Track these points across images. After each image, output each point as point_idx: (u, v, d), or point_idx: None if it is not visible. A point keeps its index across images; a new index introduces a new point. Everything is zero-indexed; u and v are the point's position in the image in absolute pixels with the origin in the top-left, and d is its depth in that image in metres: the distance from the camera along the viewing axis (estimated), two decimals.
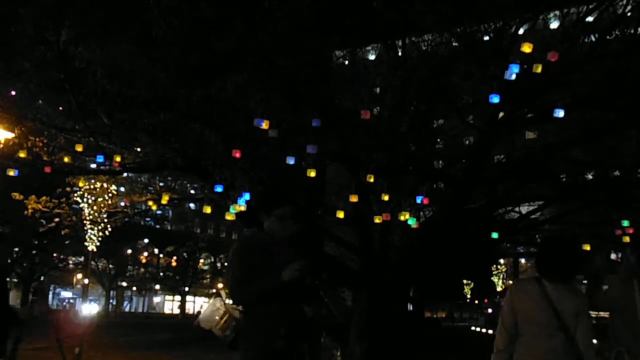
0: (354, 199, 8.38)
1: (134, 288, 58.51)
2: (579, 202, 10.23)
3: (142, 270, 53.77)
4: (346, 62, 10.50)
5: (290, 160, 7.59)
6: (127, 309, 60.30)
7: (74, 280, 51.11)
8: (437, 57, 9.26)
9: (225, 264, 51.86)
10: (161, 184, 12.20)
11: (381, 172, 8.32)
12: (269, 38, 7.26)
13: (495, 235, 9.59)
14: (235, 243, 3.75)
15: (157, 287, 58.86)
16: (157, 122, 8.07)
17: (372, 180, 7.96)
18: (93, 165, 9.79)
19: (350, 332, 8.94)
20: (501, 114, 8.34)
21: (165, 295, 64.70)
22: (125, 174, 11.03)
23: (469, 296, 63.90)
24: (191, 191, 12.69)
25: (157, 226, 45.16)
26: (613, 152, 9.98)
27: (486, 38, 8.31)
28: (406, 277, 9.49)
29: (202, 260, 57.47)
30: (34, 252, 35.23)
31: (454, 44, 8.94)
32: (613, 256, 19.02)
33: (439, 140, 12.20)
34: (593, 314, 3.38)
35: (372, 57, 12.26)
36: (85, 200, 13.14)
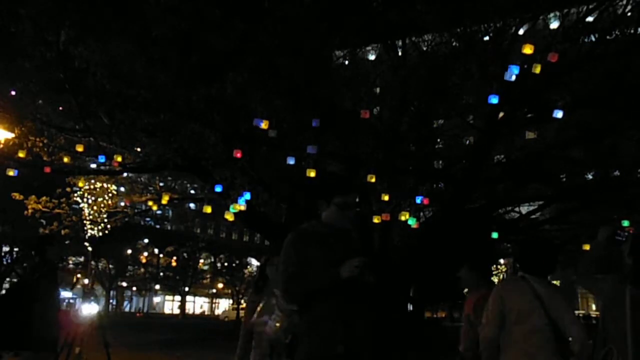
0: None
1: (134, 288, 58.52)
2: (578, 202, 10.23)
3: (142, 270, 53.77)
4: (346, 62, 10.51)
5: (290, 161, 7.59)
6: (127, 309, 60.35)
7: (74, 280, 51.08)
8: (437, 57, 9.27)
9: (226, 264, 51.89)
10: (161, 184, 12.21)
11: (381, 172, 8.32)
12: (269, 38, 7.26)
13: (495, 235, 9.60)
14: (290, 234, 3.31)
15: (157, 287, 58.88)
16: (157, 122, 8.08)
17: (372, 180, 7.97)
18: (93, 165, 9.81)
19: None
20: (501, 114, 8.33)
21: (165, 295, 64.71)
22: (125, 174, 11.04)
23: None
24: (191, 191, 12.71)
25: (157, 226, 45.14)
26: (613, 152, 9.97)
27: (486, 38, 8.31)
28: (406, 277, 9.49)
29: (202, 260, 57.40)
30: (33, 252, 35.25)
31: (454, 44, 8.94)
32: None
33: (439, 140, 12.20)
34: (581, 312, 3.55)
35: (372, 57, 12.26)
36: (85, 200, 13.14)
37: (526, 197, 11.15)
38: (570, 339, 3.42)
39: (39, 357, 4.96)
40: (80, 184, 11.98)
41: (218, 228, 60.04)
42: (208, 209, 8.91)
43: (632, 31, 8.38)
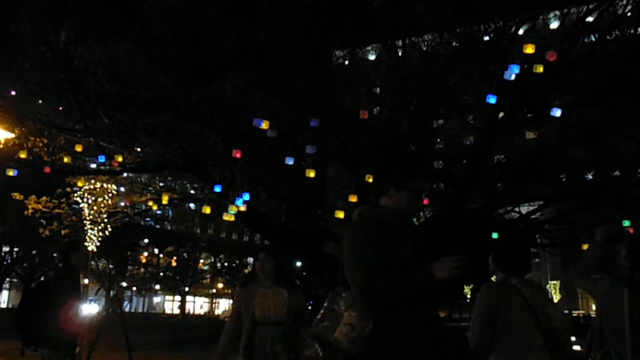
0: (353, 199, 8.38)
1: (134, 288, 58.51)
2: (578, 202, 10.22)
3: (142, 270, 53.75)
4: (346, 62, 10.50)
5: (290, 161, 7.59)
6: (127, 309, 60.30)
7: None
8: (437, 57, 9.26)
9: (226, 264, 51.89)
10: (161, 184, 12.19)
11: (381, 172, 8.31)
12: (268, 38, 7.26)
13: (495, 235, 9.58)
14: (354, 223, 2.73)
15: (157, 287, 58.86)
16: (157, 122, 8.08)
17: (372, 180, 7.96)
18: (93, 165, 9.80)
19: None
20: (501, 114, 8.33)
21: (165, 295, 64.72)
22: (125, 174, 11.03)
23: (469, 296, 63.82)
24: (191, 191, 12.70)
25: (157, 226, 45.13)
26: (613, 152, 9.97)
27: (486, 38, 8.30)
28: None
29: (202, 260, 57.44)
30: (33, 252, 35.24)
31: (454, 44, 8.93)
32: None
33: (439, 140, 12.19)
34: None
35: (372, 57, 12.25)
36: (85, 200, 13.12)
37: (526, 197, 11.15)
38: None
39: (56, 355, 5.11)
40: (80, 184, 11.97)
41: (218, 228, 60.05)
42: (207, 210, 8.90)
43: (632, 31, 8.38)
